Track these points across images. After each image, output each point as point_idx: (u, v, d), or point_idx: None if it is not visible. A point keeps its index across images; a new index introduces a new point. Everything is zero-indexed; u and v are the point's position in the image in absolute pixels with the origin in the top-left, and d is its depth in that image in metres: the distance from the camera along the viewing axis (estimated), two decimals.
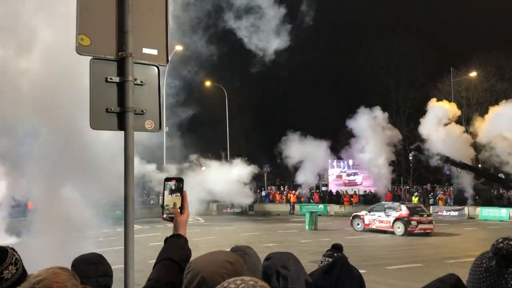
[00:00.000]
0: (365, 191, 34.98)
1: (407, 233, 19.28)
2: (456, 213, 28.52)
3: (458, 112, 31.88)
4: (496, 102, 31.79)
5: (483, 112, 32.28)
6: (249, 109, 46.15)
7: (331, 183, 37.21)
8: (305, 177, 33.71)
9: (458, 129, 30.69)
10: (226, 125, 37.41)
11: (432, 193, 33.02)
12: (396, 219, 19.95)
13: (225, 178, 25.58)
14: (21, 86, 8.83)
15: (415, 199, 29.61)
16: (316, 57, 47.55)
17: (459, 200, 30.18)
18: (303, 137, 32.49)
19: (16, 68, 8.86)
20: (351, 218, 22.46)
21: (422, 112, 31.81)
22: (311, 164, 33.08)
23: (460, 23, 47.19)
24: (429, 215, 20.88)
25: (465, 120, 36.22)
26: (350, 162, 36.61)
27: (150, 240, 14.42)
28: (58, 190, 8.84)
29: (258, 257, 2.23)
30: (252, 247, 2.31)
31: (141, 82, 2.74)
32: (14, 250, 1.98)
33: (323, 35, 46.21)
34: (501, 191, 32.93)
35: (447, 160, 29.37)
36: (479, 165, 35.10)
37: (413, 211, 19.96)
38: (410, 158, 33.22)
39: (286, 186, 37.95)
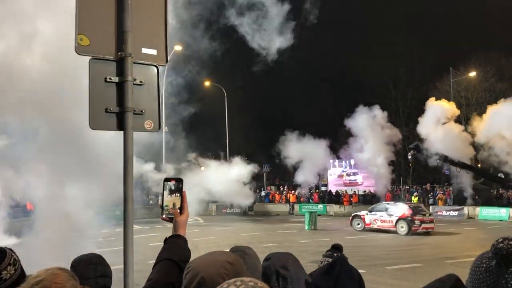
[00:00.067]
0: (365, 191, 34.97)
1: (411, 232, 19.44)
2: (455, 213, 28.55)
3: (457, 111, 31.82)
4: (495, 102, 31.70)
5: (483, 112, 32.25)
6: (248, 108, 46.17)
7: (331, 183, 37.16)
8: (304, 177, 33.64)
9: (457, 128, 30.64)
10: (225, 124, 37.41)
11: (431, 193, 33.04)
12: (400, 219, 20.09)
13: (224, 178, 25.57)
14: (22, 85, 8.82)
15: (414, 199, 29.62)
16: (316, 57, 47.63)
17: (459, 200, 30.20)
18: (302, 136, 32.36)
19: (17, 68, 8.86)
20: (350, 218, 22.48)
21: (422, 112, 31.74)
22: (310, 163, 33.02)
23: (459, 23, 47.27)
24: (430, 215, 21.10)
25: (464, 120, 36.23)
26: (352, 162, 36.56)
27: (150, 240, 14.40)
28: (58, 190, 8.84)
29: (258, 257, 2.23)
30: (251, 247, 2.31)
31: (141, 82, 2.74)
32: (12, 251, 1.98)
33: (323, 35, 46.22)
34: (500, 191, 32.93)
35: (445, 159, 29.34)
36: (479, 165, 35.09)
37: (415, 210, 20.15)
38: (409, 157, 33.19)
39: (285, 186, 37.97)
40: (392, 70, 43.42)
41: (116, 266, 2.72)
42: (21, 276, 1.90)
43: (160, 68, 2.91)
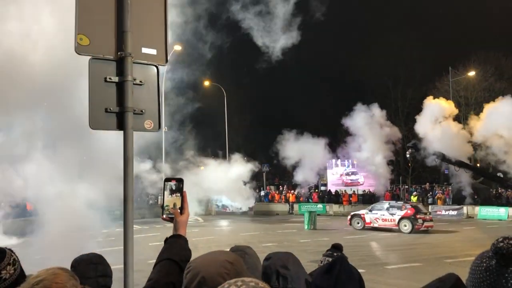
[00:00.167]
0: (364, 190, 34.94)
1: (414, 230, 19.67)
2: (454, 213, 28.54)
3: (456, 110, 31.74)
4: (494, 102, 31.75)
5: (482, 111, 32.24)
6: (248, 108, 46.17)
7: (332, 183, 37.10)
8: (303, 176, 33.57)
9: (455, 126, 30.56)
10: (225, 124, 37.38)
11: (431, 193, 33.02)
12: (402, 217, 20.25)
13: (224, 177, 25.59)
14: (23, 85, 8.81)
15: (414, 199, 29.59)
16: (316, 56, 47.62)
17: (458, 199, 30.18)
18: (300, 135, 32.18)
19: (19, 67, 8.85)
20: (349, 217, 22.48)
21: (421, 111, 31.74)
22: (309, 163, 32.94)
23: (459, 22, 47.30)
24: (429, 214, 21.43)
25: (463, 120, 36.22)
26: (354, 161, 36.44)
27: (150, 240, 14.41)
28: (58, 190, 8.83)
29: (258, 257, 2.24)
30: (251, 247, 2.31)
31: (140, 82, 2.74)
32: (12, 251, 1.98)
33: (323, 35, 46.24)
34: (499, 190, 32.93)
35: (443, 158, 29.29)
36: (477, 164, 35.08)
37: (417, 209, 20.46)
38: (408, 156, 33.13)
39: (285, 186, 37.97)
40: (392, 70, 43.44)
41: (116, 266, 2.72)
42: (21, 276, 1.90)
43: (160, 67, 2.91)
